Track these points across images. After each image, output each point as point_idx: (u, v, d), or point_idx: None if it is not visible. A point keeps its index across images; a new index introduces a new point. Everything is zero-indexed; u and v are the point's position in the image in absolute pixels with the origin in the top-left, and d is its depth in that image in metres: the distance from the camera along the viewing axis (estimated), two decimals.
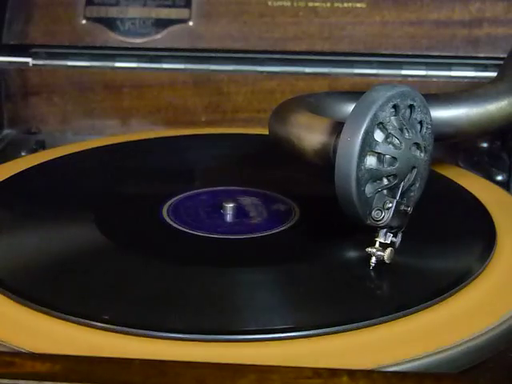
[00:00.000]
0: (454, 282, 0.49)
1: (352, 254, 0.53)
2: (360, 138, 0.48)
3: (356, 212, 0.49)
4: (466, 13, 0.78)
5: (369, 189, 0.49)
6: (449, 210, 0.59)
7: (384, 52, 0.78)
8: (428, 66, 0.78)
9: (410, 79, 0.77)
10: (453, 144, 0.74)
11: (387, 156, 0.49)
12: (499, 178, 0.69)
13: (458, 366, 0.44)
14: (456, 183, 0.63)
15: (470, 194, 0.61)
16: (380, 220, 0.50)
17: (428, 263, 0.52)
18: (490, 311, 0.47)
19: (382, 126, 0.49)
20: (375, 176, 0.49)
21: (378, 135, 0.49)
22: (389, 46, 0.78)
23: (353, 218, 0.50)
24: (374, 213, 0.49)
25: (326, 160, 0.51)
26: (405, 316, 0.46)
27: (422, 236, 0.54)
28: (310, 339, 0.44)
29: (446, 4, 0.78)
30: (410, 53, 0.78)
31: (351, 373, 0.39)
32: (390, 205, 0.50)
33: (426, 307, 0.47)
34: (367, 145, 0.48)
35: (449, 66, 0.77)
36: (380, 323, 0.46)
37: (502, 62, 0.65)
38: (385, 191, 0.50)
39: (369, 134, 0.48)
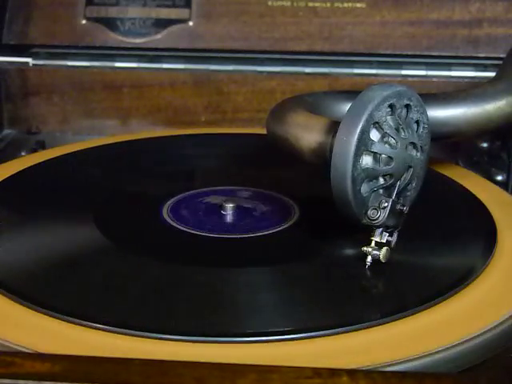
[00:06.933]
0: (454, 282, 0.49)
1: (352, 253, 0.53)
2: (356, 137, 0.48)
3: (352, 211, 0.49)
4: (466, 13, 0.78)
5: (365, 188, 0.49)
6: (449, 210, 0.59)
7: (384, 52, 0.78)
8: (428, 65, 0.78)
9: (409, 79, 0.77)
10: (453, 144, 0.74)
11: (383, 155, 0.49)
12: (499, 177, 0.69)
13: (458, 366, 0.44)
14: (456, 183, 0.63)
15: (470, 193, 0.61)
16: (376, 219, 0.49)
17: (428, 263, 0.52)
18: (490, 311, 0.47)
19: (377, 125, 0.49)
20: (371, 175, 0.49)
21: (374, 135, 0.49)
22: (389, 46, 0.78)
23: (348, 218, 0.50)
24: (369, 212, 0.49)
25: (322, 159, 0.51)
26: (405, 316, 0.46)
27: (422, 236, 0.54)
28: (309, 339, 0.44)
29: (445, 4, 0.78)
30: (409, 53, 0.78)
31: (351, 373, 0.39)
32: (386, 204, 0.49)
33: (426, 307, 0.47)
34: (363, 144, 0.48)
35: (449, 66, 0.77)
36: (380, 323, 0.45)
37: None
38: (381, 190, 0.50)
39: (365, 133, 0.48)
